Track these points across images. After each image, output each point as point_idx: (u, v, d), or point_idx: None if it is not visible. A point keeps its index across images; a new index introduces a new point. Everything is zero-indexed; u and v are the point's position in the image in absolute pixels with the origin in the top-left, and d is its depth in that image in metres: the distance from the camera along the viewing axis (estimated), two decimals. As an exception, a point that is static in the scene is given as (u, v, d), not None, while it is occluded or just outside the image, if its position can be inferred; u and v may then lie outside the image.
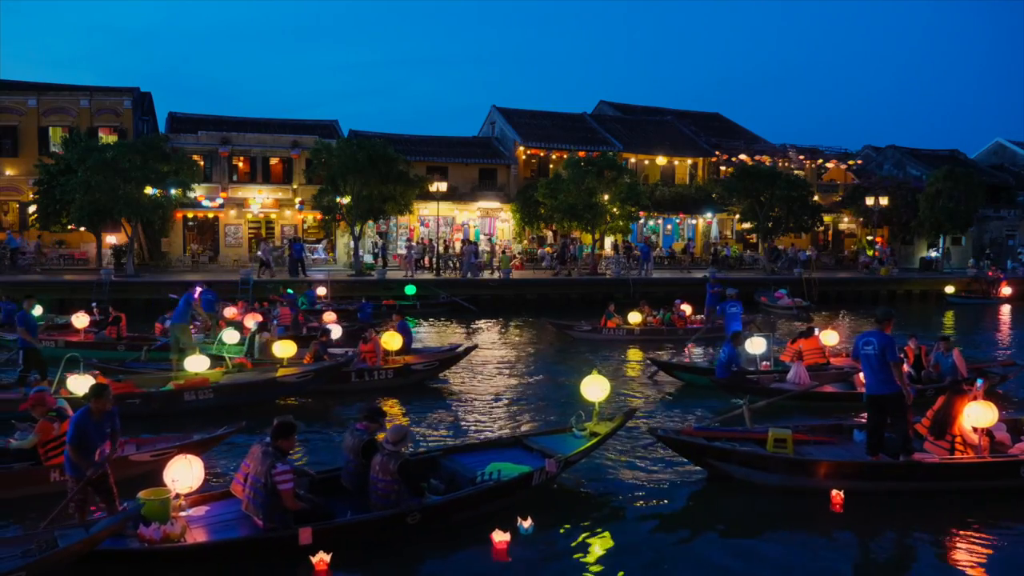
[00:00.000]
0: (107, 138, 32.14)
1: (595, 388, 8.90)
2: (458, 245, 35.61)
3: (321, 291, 24.02)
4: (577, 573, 6.63)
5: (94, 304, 19.51)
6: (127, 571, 6.16)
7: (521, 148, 38.82)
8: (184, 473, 6.63)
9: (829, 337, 15.05)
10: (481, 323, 24.35)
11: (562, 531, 7.39)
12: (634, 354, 18.25)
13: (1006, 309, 30.88)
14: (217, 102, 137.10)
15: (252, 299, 22.91)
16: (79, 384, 9.95)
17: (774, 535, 7.63)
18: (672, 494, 8.57)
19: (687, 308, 21.07)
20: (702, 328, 20.41)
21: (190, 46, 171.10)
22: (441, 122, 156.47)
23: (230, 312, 18.20)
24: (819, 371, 13.42)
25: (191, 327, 14.52)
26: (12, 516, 7.39)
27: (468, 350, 15.38)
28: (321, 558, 6.22)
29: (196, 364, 12.21)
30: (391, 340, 13.97)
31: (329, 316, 18.77)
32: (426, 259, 34.11)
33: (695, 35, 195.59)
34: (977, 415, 8.28)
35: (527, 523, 6.95)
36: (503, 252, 33.71)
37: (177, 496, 6.63)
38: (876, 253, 39.42)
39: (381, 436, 7.26)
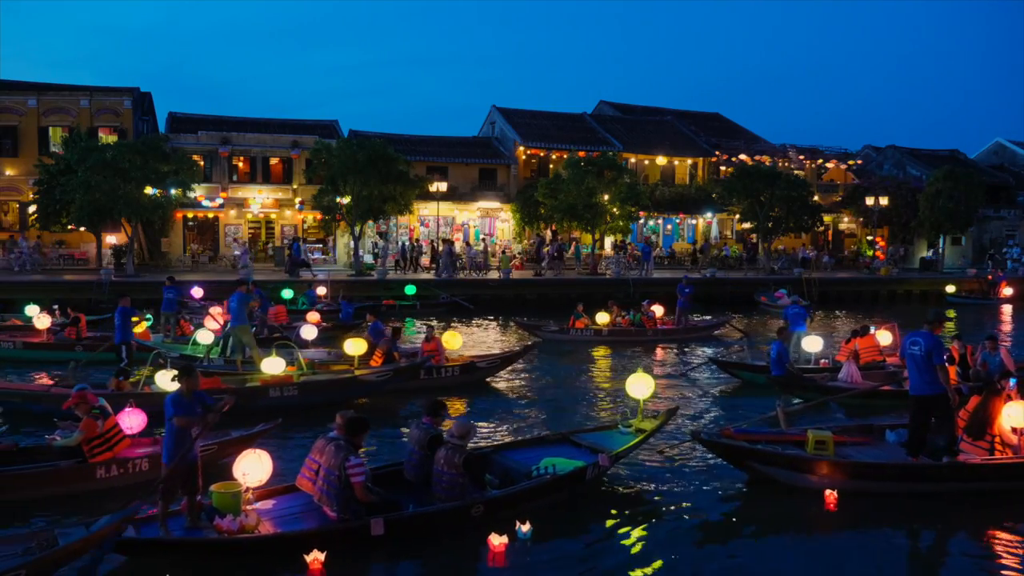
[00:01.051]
0: (107, 138, 32.13)
1: (640, 386, 9.14)
2: (457, 245, 35.60)
3: (321, 291, 24.03)
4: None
5: (55, 306, 19.42)
6: (205, 561, 6.35)
7: (521, 148, 38.84)
8: (254, 467, 6.87)
9: (884, 336, 15.13)
10: (482, 323, 24.34)
11: (567, 535, 7.35)
12: (602, 354, 18.05)
13: (1007, 309, 30.89)
14: (217, 102, 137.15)
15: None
16: (166, 380, 10.34)
17: (817, 538, 7.55)
18: (695, 496, 8.45)
19: (658, 309, 20.69)
20: (674, 330, 20.27)
21: (190, 46, 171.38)
22: (441, 122, 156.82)
23: (215, 311, 18.15)
24: (875, 370, 13.52)
25: (252, 326, 14.38)
26: (59, 513, 7.40)
27: (527, 348, 15.61)
28: (316, 557, 6.23)
29: (272, 366, 12.07)
30: (452, 339, 14.25)
31: (312, 316, 18.85)
32: (419, 259, 34.08)
33: (695, 35, 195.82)
34: (1017, 415, 8.30)
35: (525, 527, 6.94)
36: (503, 252, 33.71)
37: (247, 490, 6.82)
38: (880, 255, 39.42)
39: (448, 424, 7.51)
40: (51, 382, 11.95)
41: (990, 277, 34.64)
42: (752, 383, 14.09)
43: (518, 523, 6.95)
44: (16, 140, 33.48)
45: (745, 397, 13.51)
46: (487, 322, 24.59)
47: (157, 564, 6.26)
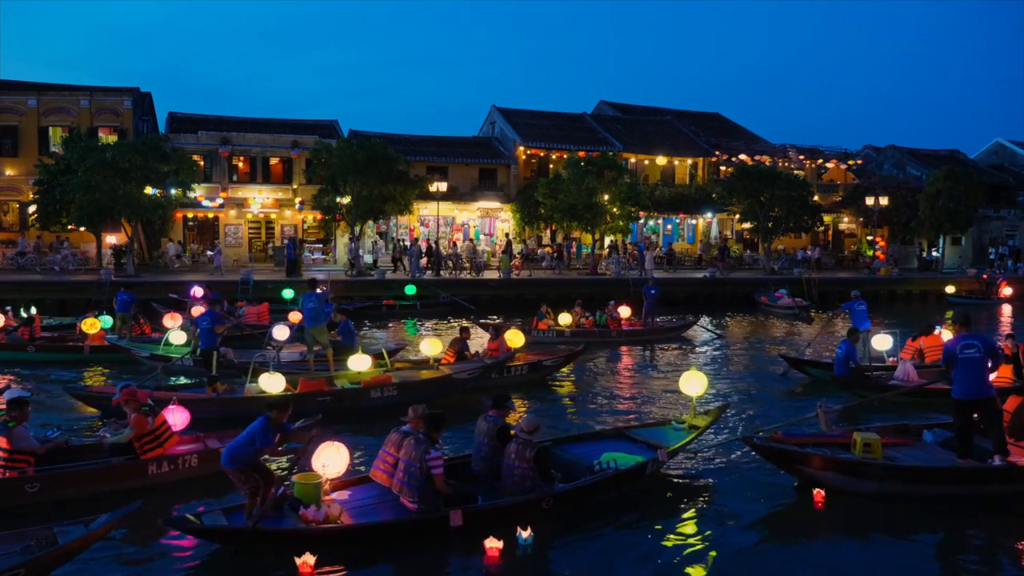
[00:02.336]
0: (107, 138, 32.13)
1: (693, 383, 9.37)
2: (458, 245, 35.63)
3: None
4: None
5: (8, 308, 19.33)
6: (290, 550, 6.42)
7: (521, 148, 38.84)
8: (334, 459, 7.12)
9: (949, 335, 15.02)
10: (454, 325, 23.99)
11: (564, 539, 7.28)
12: (635, 353, 17.97)
13: (1007, 309, 30.89)
14: (217, 102, 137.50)
15: (252, 299, 22.93)
16: (270, 383, 10.72)
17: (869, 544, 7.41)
18: (738, 501, 8.30)
19: (625, 311, 20.27)
20: (640, 331, 19.99)
21: (190, 46, 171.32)
22: (441, 122, 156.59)
23: (197, 311, 18.14)
24: (936, 368, 13.49)
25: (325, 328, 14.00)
26: (113, 509, 7.40)
27: (585, 347, 16.14)
28: (305, 561, 6.24)
29: (358, 363, 12.20)
30: (515, 338, 14.35)
31: (295, 316, 18.83)
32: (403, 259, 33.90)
33: (695, 35, 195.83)
34: None
35: (526, 533, 6.89)
36: (503, 252, 33.64)
37: (325, 481, 7.07)
38: (880, 255, 39.42)
39: (515, 416, 7.49)
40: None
41: (985, 277, 34.63)
42: (822, 381, 14.14)
43: (519, 529, 6.90)
44: (16, 140, 33.50)
45: (810, 396, 13.48)
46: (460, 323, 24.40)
47: (245, 552, 6.40)
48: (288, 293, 23.83)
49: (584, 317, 19.91)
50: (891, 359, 14.58)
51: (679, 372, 15.67)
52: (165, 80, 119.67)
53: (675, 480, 8.84)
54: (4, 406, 8.24)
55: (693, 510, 7.99)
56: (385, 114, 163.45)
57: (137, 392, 8.51)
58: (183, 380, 13.99)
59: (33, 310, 18.86)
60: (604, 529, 7.40)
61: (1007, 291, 32.68)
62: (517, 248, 37.23)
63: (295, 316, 18.94)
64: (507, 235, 37.31)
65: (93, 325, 16.24)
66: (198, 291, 21.59)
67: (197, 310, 18.11)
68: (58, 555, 5.76)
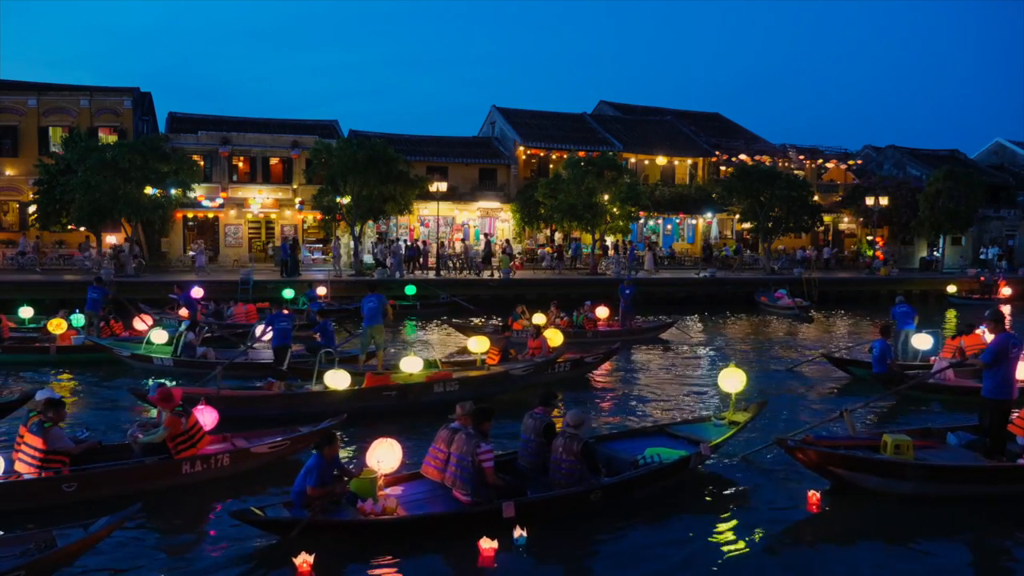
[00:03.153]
0: (107, 138, 32.15)
1: (732, 380, 9.51)
2: (457, 245, 35.63)
3: (321, 291, 24.03)
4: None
5: None
6: (351, 541, 6.65)
7: (521, 148, 38.84)
8: (388, 455, 7.38)
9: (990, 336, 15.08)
10: (430, 326, 23.78)
11: (594, 538, 7.25)
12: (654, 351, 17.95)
13: (1006, 309, 30.88)
14: (217, 102, 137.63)
15: (252, 300, 22.93)
16: (335, 379, 10.91)
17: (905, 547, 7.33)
18: (767, 505, 8.20)
19: (603, 311, 19.99)
20: (617, 332, 19.74)
21: (190, 46, 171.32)
22: (441, 122, 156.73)
23: (184, 313, 18.15)
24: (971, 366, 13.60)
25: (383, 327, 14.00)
26: (146, 508, 7.41)
27: (623, 345, 16.43)
28: (304, 559, 6.24)
29: (410, 365, 12.27)
30: (554, 337, 14.49)
31: None
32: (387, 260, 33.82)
33: (695, 35, 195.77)
34: None
35: (518, 533, 6.85)
36: (503, 252, 33.66)
37: (380, 476, 7.28)
38: (880, 255, 39.43)
39: (557, 413, 7.74)
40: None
41: (983, 279, 34.64)
42: (863, 379, 14.14)
43: (517, 528, 6.88)
44: (16, 140, 33.50)
45: (834, 396, 13.54)
46: (439, 324, 24.47)
47: (305, 543, 6.48)
48: (288, 293, 23.82)
49: (559, 317, 19.29)
50: (932, 358, 14.62)
51: (683, 371, 16.02)
52: (165, 80, 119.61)
53: (706, 482, 8.79)
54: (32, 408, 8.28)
55: (723, 512, 7.94)
56: (385, 114, 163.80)
57: (171, 392, 8.58)
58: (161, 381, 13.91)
59: (31, 311, 18.79)
60: (635, 528, 7.39)
61: (1006, 291, 32.71)
62: (518, 248, 37.30)
63: None
64: (486, 235, 37.31)
65: (59, 326, 16.05)
66: (198, 291, 21.61)
67: (183, 312, 18.16)
68: (58, 557, 5.75)
